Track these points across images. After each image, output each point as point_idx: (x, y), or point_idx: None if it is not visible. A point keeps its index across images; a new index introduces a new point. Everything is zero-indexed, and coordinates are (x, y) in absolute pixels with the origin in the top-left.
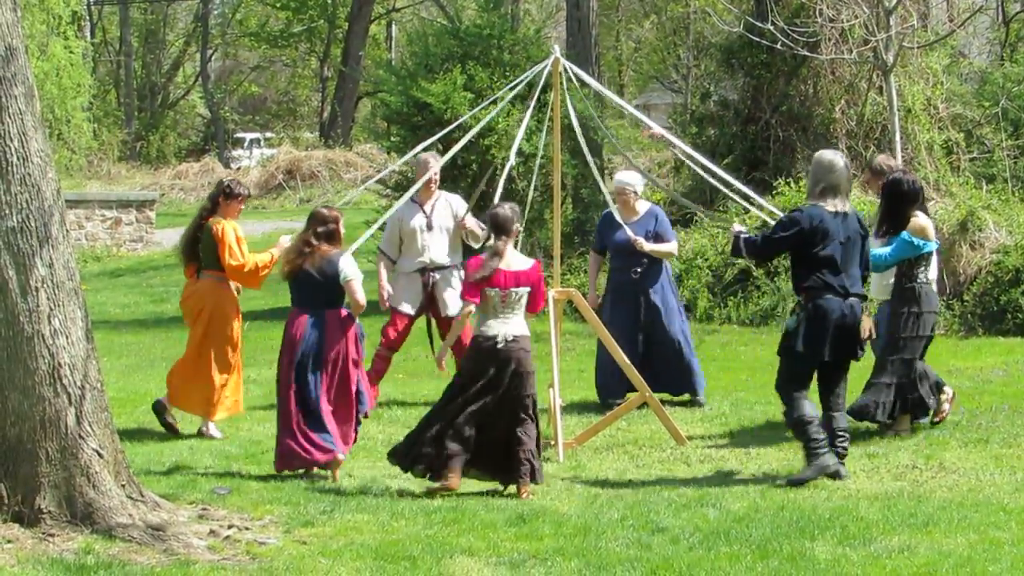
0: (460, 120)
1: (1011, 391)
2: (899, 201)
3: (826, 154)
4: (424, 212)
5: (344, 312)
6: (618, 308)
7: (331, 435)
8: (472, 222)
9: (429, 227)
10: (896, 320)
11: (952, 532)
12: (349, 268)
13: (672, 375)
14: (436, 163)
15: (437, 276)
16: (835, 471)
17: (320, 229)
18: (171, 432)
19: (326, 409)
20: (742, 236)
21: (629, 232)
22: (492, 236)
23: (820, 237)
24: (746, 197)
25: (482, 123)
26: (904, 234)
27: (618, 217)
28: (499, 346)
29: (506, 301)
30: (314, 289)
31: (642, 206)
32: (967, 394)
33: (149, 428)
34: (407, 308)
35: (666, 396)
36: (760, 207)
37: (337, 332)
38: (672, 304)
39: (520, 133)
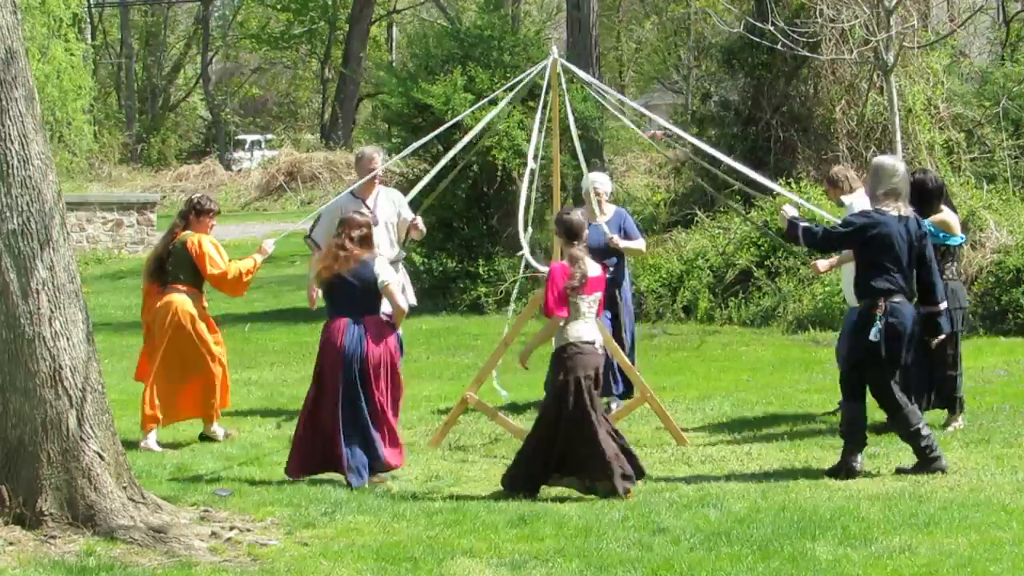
0: (456, 119)
1: (1012, 391)
2: (927, 198)
3: (887, 159)
4: (367, 207)
5: (384, 317)
6: None
7: (375, 454)
8: (420, 221)
9: (375, 222)
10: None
11: (953, 532)
12: (386, 272)
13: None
14: (380, 158)
15: None
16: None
17: (354, 234)
18: (221, 438)
19: (377, 422)
20: (801, 224)
21: (606, 229)
22: (563, 241)
23: (886, 240)
24: (758, 185)
25: (481, 124)
26: (926, 222)
27: (597, 210)
28: (599, 350)
29: (591, 307)
30: (352, 295)
31: (609, 208)
32: (968, 394)
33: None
34: None
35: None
36: (776, 195)
37: (379, 339)
38: (631, 305)
39: (533, 141)
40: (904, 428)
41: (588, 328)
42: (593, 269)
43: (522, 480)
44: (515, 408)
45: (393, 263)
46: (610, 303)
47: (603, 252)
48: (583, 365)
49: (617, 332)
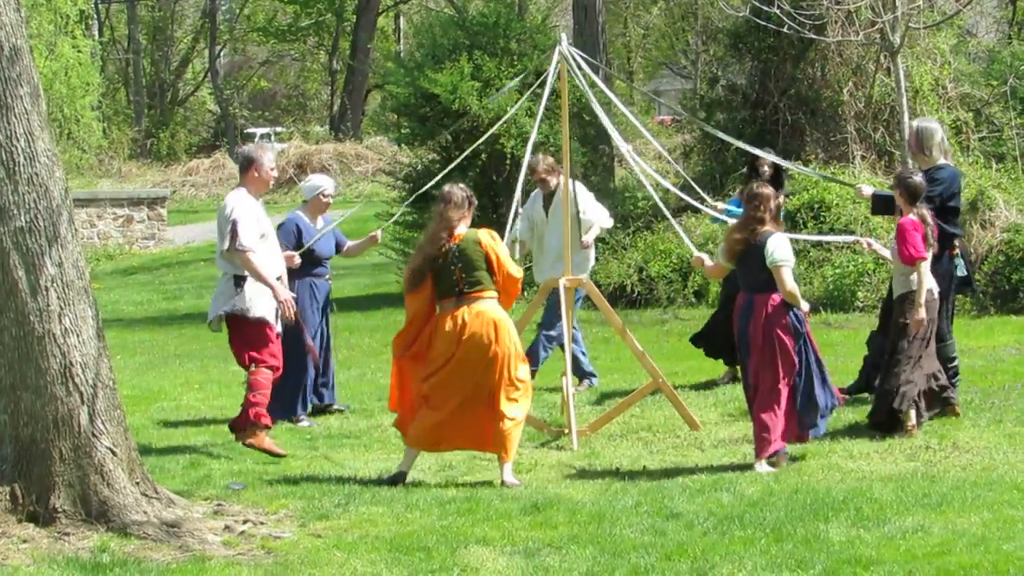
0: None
1: None
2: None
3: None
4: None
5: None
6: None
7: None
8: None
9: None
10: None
11: (966, 511)
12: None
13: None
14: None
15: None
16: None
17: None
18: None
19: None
20: (883, 194)
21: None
22: (906, 202)
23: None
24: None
25: (502, 120)
26: None
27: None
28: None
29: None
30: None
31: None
32: (980, 373)
33: (162, 425)
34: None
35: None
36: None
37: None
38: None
39: (535, 131)
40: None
41: (931, 279)
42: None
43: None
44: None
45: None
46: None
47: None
48: (932, 310)
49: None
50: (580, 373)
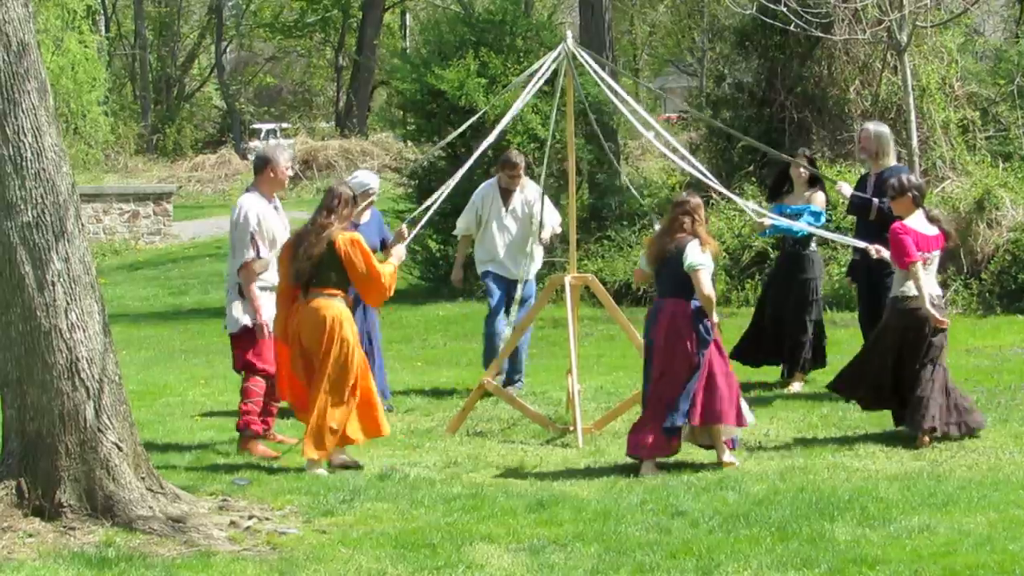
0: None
1: None
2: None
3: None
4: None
5: None
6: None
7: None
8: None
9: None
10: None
11: (972, 511)
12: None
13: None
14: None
15: None
16: None
17: None
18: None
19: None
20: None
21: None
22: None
23: None
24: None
25: (507, 119)
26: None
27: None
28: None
29: (932, 263)
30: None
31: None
32: (986, 373)
33: (168, 420)
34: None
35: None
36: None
37: None
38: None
39: (515, 108)
40: None
41: (932, 282)
42: (930, 230)
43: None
44: (533, 393)
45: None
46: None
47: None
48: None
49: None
50: (513, 371)
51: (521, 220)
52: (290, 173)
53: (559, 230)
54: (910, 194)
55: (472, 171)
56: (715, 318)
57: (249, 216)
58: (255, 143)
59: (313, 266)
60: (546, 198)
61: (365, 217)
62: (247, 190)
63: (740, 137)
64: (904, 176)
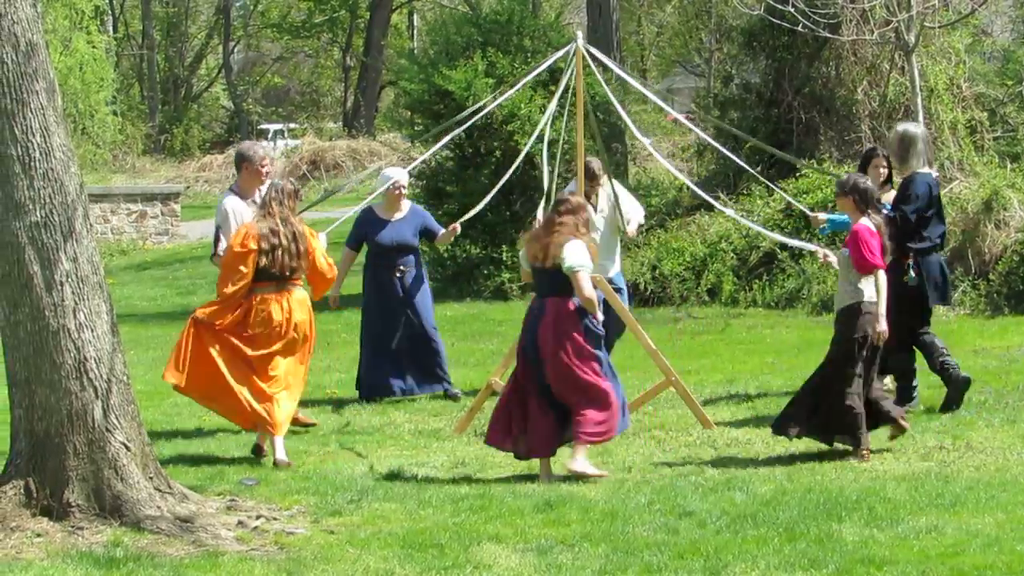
0: (481, 105)
1: None
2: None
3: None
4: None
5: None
6: (382, 303)
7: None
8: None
9: None
10: None
11: (980, 512)
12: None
13: (430, 369)
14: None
15: None
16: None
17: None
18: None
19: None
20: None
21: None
22: (857, 207)
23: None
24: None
25: (496, 103)
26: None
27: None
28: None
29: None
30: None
31: (406, 204)
32: (994, 373)
33: (176, 420)
34: None
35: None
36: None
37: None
38: (428, 300)
39: (546, 119)
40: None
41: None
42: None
43: (781, 421)
44: None
45: None
46: (401, 304)
47: (397, 249)
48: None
49: (413, 331)
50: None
51: (608, 218)
52: (267, 165)
53: (643, 222)
54: (851, 197)
55: (480, 171)
56: (600, 316)
57: (221, 213)
58: (262, 143)
59: (299, 258)
60: (627, 191)
61: (401, 212)
62: (229, 190)
63: (746, 138)
64: (855, 177)
